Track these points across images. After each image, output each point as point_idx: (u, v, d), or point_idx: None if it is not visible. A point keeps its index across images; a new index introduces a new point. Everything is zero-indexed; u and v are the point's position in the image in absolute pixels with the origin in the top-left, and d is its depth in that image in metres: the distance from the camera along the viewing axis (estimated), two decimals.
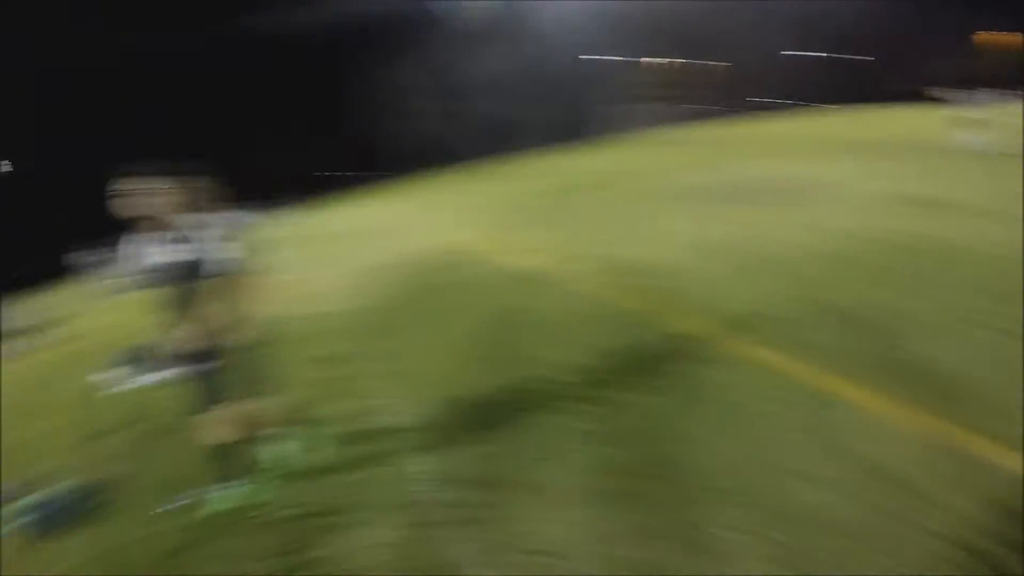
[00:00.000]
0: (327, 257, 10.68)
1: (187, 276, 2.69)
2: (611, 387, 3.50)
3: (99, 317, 8.17)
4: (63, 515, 2.99)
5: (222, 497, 2.89)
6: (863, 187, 8.57)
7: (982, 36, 51.01)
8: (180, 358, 2.69)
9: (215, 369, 2.76)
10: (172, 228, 2.70)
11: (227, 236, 2.71)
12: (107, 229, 2.65)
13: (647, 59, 54.86)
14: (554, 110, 51.39)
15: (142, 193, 2.61)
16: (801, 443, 2.71)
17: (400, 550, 2.45)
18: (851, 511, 2.29)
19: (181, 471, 3.15)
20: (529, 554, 2.34)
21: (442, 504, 2.69)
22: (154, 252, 2.68)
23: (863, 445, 2.64)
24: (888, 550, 2.10)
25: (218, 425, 2.79)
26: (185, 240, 2.71)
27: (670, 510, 2.46)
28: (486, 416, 3.42)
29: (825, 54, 61.98)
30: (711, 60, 55.87)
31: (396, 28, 42.64)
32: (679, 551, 2.23)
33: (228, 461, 2.89)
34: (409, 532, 2.54)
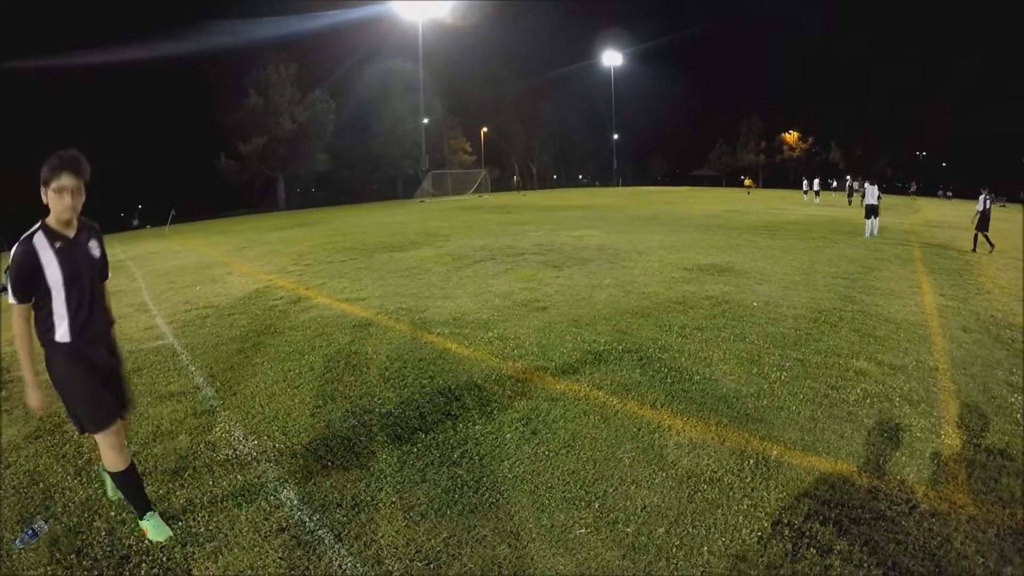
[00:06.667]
0: (145, 288, 9.73)
1: None
2: (449, 420, 3.77)
3: None
4: None
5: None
6: (665, 256, 10.38)
7: (784, 135, 64.39)
8: None
9: None
10: None
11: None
12: None
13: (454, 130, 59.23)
14: (385, 170, 53.41)
15: None
16: (631, 458, 3.21)
17: (278, 571, 2.41)
18: (679, 505, 2.77)
19: None
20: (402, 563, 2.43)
21: (311, 526, 2.71)
22: None
23: (679, 456, 3.22)
24: (714, 531, 2.57)
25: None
26: None
27: (532, 515, 2.71)
28: (340, 446, 3.47)
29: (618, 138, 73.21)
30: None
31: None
32: (546, 549, 2.49)
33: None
34: (283, 554, 2.51)
